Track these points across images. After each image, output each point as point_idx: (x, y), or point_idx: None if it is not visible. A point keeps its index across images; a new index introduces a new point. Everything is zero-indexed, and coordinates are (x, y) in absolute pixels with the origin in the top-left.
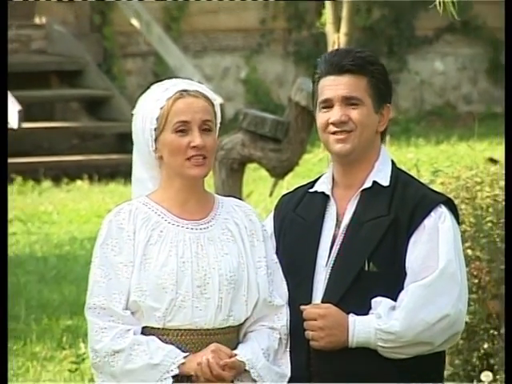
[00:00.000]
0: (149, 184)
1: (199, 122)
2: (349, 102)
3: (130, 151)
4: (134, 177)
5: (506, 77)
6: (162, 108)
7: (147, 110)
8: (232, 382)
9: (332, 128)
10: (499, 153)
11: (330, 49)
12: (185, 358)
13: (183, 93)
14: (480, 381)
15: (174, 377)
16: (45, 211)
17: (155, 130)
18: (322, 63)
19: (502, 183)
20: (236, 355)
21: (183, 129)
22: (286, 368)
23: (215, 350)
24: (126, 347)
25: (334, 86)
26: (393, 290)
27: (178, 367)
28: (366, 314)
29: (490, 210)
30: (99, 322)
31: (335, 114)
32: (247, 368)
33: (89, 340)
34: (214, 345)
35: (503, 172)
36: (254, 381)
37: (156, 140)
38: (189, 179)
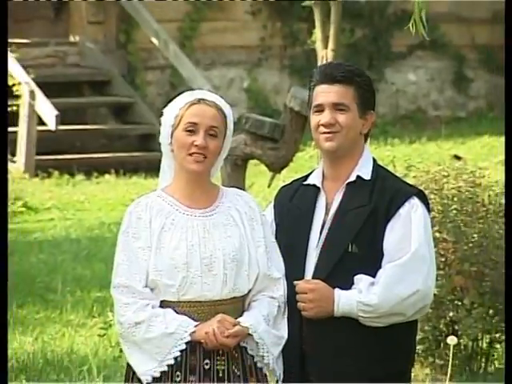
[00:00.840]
0: (167, 175)
1: (206, 127)
2: (337, 107)
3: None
4: (162, 168)
5: (506, 77)
6: (180, 109)
7: (171, 110)
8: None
9: (322, 129)
10: (462, 151)
11: (319, 63)
12: (195, 326)
13: (200, 100)
14: (446, 344)
15: (187, 343)
16: (78, 200)
17: (172, 126)
18: (317, 74)
19: (465, 176)
20: (239, 323)
21: (191, 129)
22: (283, 331)
23: (221, 320)
24: (146, 319)
25: (325, 93)
26: (372, 269)
27: (190, 335)
28: (350, 288)
29: (455, 199)
30: (123, 299)
31: (325, 117)
32: (250, 332)
33: (115, 314)
34: (219, 315)
35: (466, 167)
36: (257, 343)
37: (171, 135)
38: (188, 172)
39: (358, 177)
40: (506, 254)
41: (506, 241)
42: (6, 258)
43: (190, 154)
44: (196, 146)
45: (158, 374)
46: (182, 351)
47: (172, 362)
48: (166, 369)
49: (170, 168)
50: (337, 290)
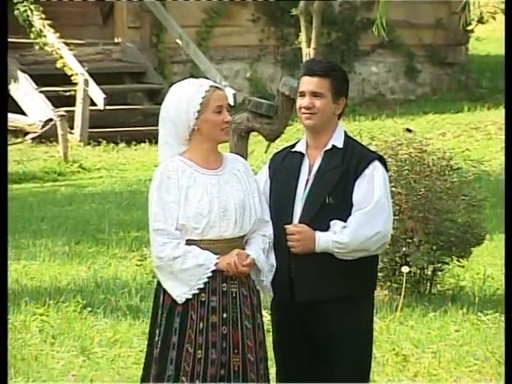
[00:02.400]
0: (174, 148)
1: (226, 106)
2: (315, 94)
3: None
4: (164, 142)
5: (506, 78)
6: (204, 96)
7: (190, 97)
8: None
9: (303, 110)
10: (412, 125)
11: (304, 58)
12: (217, 259)
13: (215, 88)
14: (400, 272)
15: (212, 271)
16: (120, 163)
17: (198, 111)
18: (303, 68)
19: (415, 145)
20: (250, 255)
21: (219, 110)
22: (273, 261)
23: (238, 254)
24: (182, 254)
25: (307, 83)
26: (344, 216)
27: (215, 265)
28: (327, 230)
29: (407, 162)
30: (160, 239)
31: (305, 101)
32: (256, 262)
33: (153, 251)
34: (236, 250)
35: (415, 137)
36: (259, 270)
37: (198, 117)
38: (220, 142)
39: (333, 145)
40: (505, 253)
41: (505, 242)
42: (5, 257)
43: (222, 129)
44: (227, 122)
45: (190, 296)
46: (208, 278)
47: (202, 286)
48: (196, 292)
49: (182, 143)
50: (317, 232)
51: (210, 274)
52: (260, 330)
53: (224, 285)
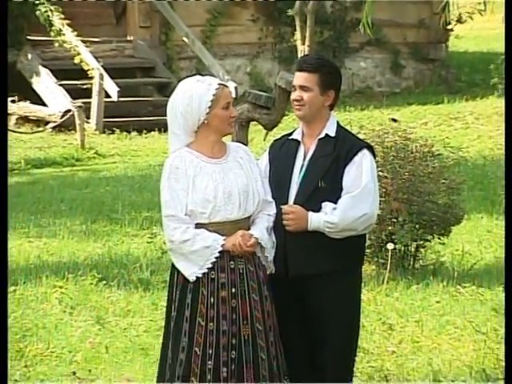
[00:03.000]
0: (182, 138)
1: (232, 102)
2: (303, 88)
3: None
4: (173, 133)
5: (507, 78)
6: (214, 94)
7: (203, 94)
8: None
9: (294, 102)
10: (397, 115)
11: (299, 55)
12: (224, 240)
13: (223, 86)
14: (386, 249)
15: (219, 252)
16: (132, 149)
17: (209, 107)
18: (296, 64)
19: (400, 133)
20: (253, 235)
21: (227, 106)
22: (274, 238)
23: (243, 235)
24: (191, 237)
25: (297, 78)
26: (334, 198)
27: (221, 246)
28: (319, 211)
29: (392, 149)
30: (171, 224)
31: (295, 94)
32: (259, 240)
33: (165, 235)
34: (241, 232)
35: (400, 126)
36: (263, 248)
37: (208, 113)
38: (225, 134)
39: (326, 134)
40: (505, 253)
41: (505, 242)
42: (5, 252)
43: (229, 123)
44: (233, 117)
45: (200, 275)
46: (216, 258)
47: (210, 266)
48: (205, 271)
49: (189, 135)
50: (310, 213)
51: (218, 255)
52: (267, 301)
53: (232, 263)
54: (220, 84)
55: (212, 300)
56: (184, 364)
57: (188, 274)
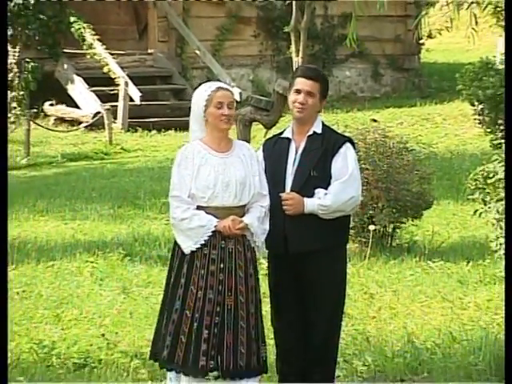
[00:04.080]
0: (198, 133)
1: (227, 103)
2: (308, 93)
3: None
4: (191, 129)
5: (507, 79)
6: (209, 95)
7: (201, 96)
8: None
9: (298, 105)
10: (377, 116)
11: (294, 65)
12: (217, 222)
13: (220, 88)
14: (368, 230)
15: (212, 232)
16: (152, 145)
17: (205, 106)
18: (300, 71)
19: (379, 131)
20: (243, 221)
21: (219, 106)
22: (267, 226)
23: (233, 219)
24: (189, 216)
25: (303, 83)
26: (325, 185)
27: (214, 227)
28: (312, 197)
29: (373, 145)
30: (175, 204)
31: (301, 98)
32: (248, 227)
33: (170, 212)
34: (232, 216)
35: (379, 126)
36: (252, 233)
37: (205, 111)
38: (221, 130)
39: (314, 132)
40: (505, 255)
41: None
42: (5, 254)
43: (221, 120)
44: (224, 115)
45: (194, 249)
46: (209, 236)
47: (203, 242)
48: (199, 246)
49: (201, 130)
50: (305, 198)
51: (210, 234)
52: (252, 277)
53: (223, 242)
54: (218, 87)
55: (202, 272)
56: (176, 323)
57: (184, 247)
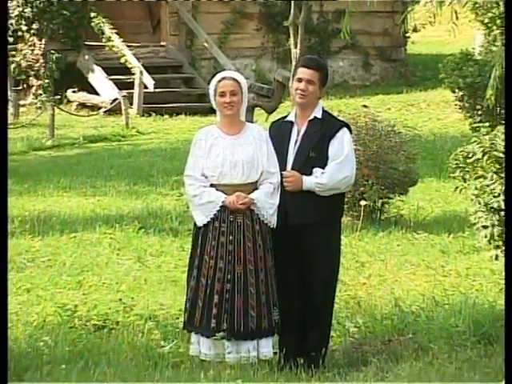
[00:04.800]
0: (218, 118)
1: (229, 91)
2: (309, 82)
3: (203, 102)
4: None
5: (507, 79)
6: (215, 85)
7: (211, 86)
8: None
9: (299, 91)
10: (368, 102)
11: (293, 57)
12: (225, 198)
13: (223, 78)
14: (359, 205)
15: (221, 207)
16: (165, 128)
17: (213, 95)
18: (302, 61)
19: (369, 116)
20: (247, 197)
21: (222, 94)
22: (276, 200)
23: (238, 195)
24: (200, 193)
25: (305, 73)
26: (322, 165)
27: (222, 202)
28: (310, 175)
29: (364, 128)
30: (188, 181)
31: (302, 85)
32: (255, 201)
33: (185, 190)
34: (238, 193)
35: (369, 111)
36: (259, 207)
37: (214, 99)
38: (225, 115)
39: (315, 117)
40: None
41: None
42: (5, 255)
43: (225, 107)
44: (226, 102)
45: (206, 222)
46: (218, 211)
47: (213, 216)
48: (210, 220)
49: (218, 114)
50: (304, 176)
51: (219, 208)
52: (260, 248)
53: (231, 216)
54: (223, 77)
55: (214, 243)
56: (193, 289)
57: (198, 220)
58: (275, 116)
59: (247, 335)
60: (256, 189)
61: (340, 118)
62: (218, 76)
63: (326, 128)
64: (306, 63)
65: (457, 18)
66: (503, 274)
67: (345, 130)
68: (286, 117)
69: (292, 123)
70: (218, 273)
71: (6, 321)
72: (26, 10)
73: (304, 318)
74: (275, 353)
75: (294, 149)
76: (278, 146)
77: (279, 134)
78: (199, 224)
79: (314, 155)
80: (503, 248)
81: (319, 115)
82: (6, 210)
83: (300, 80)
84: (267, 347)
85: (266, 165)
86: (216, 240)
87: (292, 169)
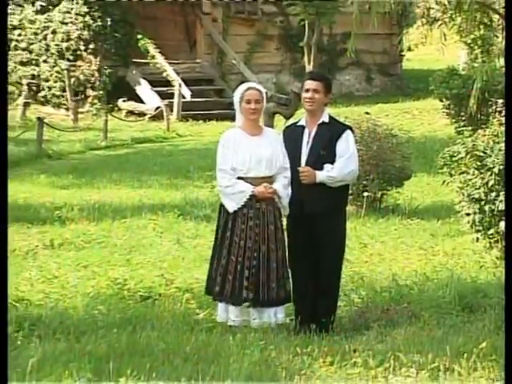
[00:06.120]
0: (239, 121)
1: (254, 99)
2: (315, 91)
3: (232, 109)
4: (236, 117)
5: (507, 79)
6: (242, 93)
7: (237, 94)
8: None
9: (307, 100)
10: (370, 110)
11: (306, 71)
12: (253, 188)
13: (249, 88)
14: (363, 196)
15: (250, 196)
16: (200, 131)
17: (239, 102)
18: (308, 75)
19: (371, 121)
20: (272, 187)
21: (248, 102)
22: (290, 191)
23: (265, 186)
24: (231, 184)
25: (310, 84)
26: (331, 161)
27: (252, 192)
28: (322, 170)
29: (367, 131)
30: (221, 175)
31: (309, 94)
32: (277, 192)
33: (217, 182)
34: (265, 184)
35: (371, 117)
36: (280, 196)
37: (240, 105)
38: (249, 119)
39: (323, 121)
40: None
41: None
42: (5, 255)
43: (250, 113)
44: (252, 109)
45: (236, 209)
46: (247, 199)
47: (243, 204)
48: (240, 207)
49: (240, 118)
50: (317, 171)
51: (248, 197)
52: (279, 230)
53: (257, 204)
54: (249, 87)
55: (243, 226)
56: (224, 266)
57: (229, 207)
58: (291, 121)
59: (269, 303)
60: (273, 182)
61: (346, 122)
62: (244, 86)
63: (333, 130)
64: (311, 76)
65: (445, 39)
66: (483, 253)
67: (349, 131)
68: (297, 122)
69: (303, 127)
70: (247, 251)
71: (5, 321)
72: (84, 33)
73: (316, 291)
74: (291, 319)
75: (306, 148)
76: (292, 146)
77: (293, 136)
78: (231, 210)
79: (324, 153)
80: (483, 232)
81: (326, 120)
82: (6, 209)
83: (307, 90)
84: (281, 313)
85: (281, 161)
86: (245, 224)
87: (306, 165)
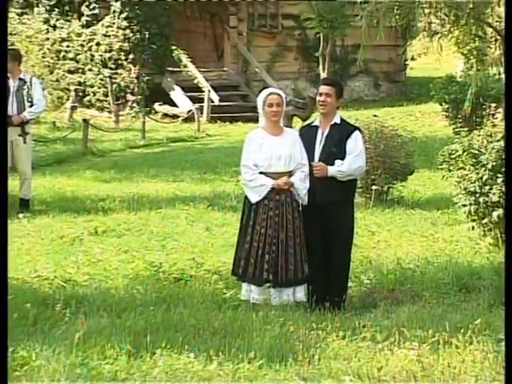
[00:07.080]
0: (262, 122)
1: (275, 103)
2: (328, 95)
3: (256, 112)
4: (259, 119)
5: (506, 78)
6: (265, 97)
7: (260, 98)
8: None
9: (320, 103)
10: (377, 113)
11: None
12: (274, 182)
13: (272, 93)
14: (371, 189)
15: (271, 188)
16: (227, 132)
17: (263, 104)
18: (321, 81)
19: (378, 123)
20: (290, 181)
21: (270, 105)
22: (307, 184)
23: (283, 179)
24: (254, 178)
25: (323, 89)
26: (342, 158)
27: (272, 185)
28: (333, 165)
29: (374, 132)
30: (244, 170)
31: (322, 98)
32: (294, 185)
33: (241, 176)
34: (282, 178)
35: (378, 119)
36: (296, 188)
37: (263, 108)
38: (271, 121)
39: (335, 122)
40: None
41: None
42: (5, 255)
43: (272, 115)
44: (273, 111)
45: (258, 200)
46: (268, 192)
47: (264, 195)
48: (261, 198)
49: (262, 119)
50: (328, 166)
51: (269, 189)
52: (297, 219)
53: (277, 196)
54: (271, 92)
55: (264, 216)
56: (247, 250)
57: (252, 199)
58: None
59: (287, 284)
60: (292, 176)
61: (356, 124)
62: (267, 91)
63: (343, 131)
64: (324, 82)
65: (441, 50)
66: (478, 240)
67: (358, 132)
68: (312, 123)
69: (317, 127)
70: (267, 238)
71: (6, 321)
72: (124, 45)
73: (329, 273)
74: (308, 299)
75: (319, 146)
76: (307, 144)
77: (307, 135)
78: (253, 201)
79: (335, 151)
80: (478, 221)
81: (338, 121)
82: (5, 206)
83: (321, 94)
84: (301, 292)
85: (299, 158)
86: (266, 213)
87: (319, 161)
